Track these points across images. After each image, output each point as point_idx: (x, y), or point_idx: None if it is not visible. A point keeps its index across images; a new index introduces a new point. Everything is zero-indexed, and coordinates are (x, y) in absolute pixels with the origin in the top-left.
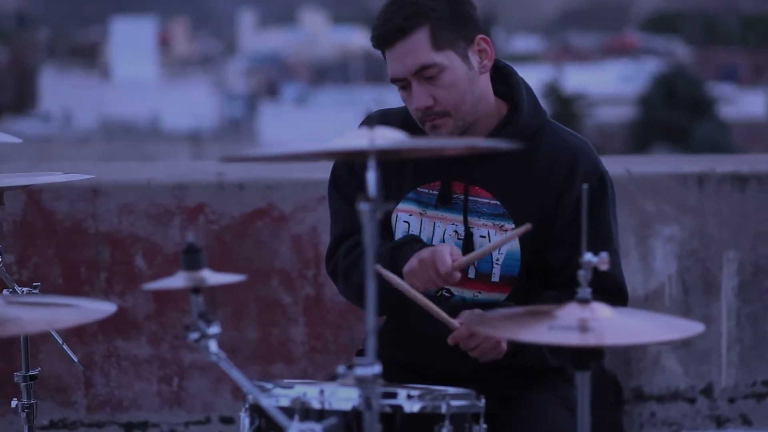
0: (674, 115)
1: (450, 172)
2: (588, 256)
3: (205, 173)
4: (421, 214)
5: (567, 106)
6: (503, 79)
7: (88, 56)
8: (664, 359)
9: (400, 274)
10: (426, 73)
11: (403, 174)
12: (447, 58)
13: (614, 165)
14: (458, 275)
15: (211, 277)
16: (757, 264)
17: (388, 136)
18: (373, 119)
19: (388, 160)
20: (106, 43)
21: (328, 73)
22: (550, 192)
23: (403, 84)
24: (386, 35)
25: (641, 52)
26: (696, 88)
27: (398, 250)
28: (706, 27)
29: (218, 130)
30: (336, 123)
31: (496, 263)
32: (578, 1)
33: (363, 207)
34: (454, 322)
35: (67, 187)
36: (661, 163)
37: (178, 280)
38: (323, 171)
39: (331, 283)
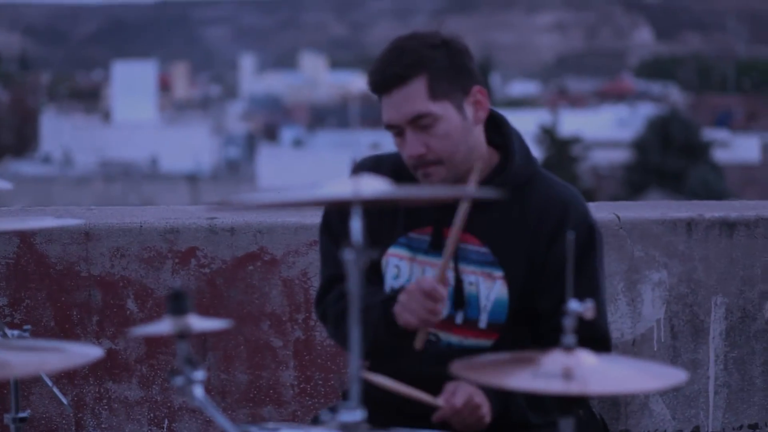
0: (669, 159)
1: (441, 218)
2: (573, 304)
3: (197, 217)
4: (411, 259)
5: (562, 149)
6: (496, 128)
7: (89, 99)
8: (652, 403)
9: (393, 324)
10: (421, 122)
11: (394, 218)
12: (442, 109)
13: (603, 210)
14: (444, 291)
15: (197, 323)
16: (744, 309)
17: (374, 185)
18: (364, 165)
19: (374, 207)
20: (107, 86)
21: (327, 116)
22: (539, 241)
23: (397, 131)
24: (384, 82)
25: (637, 96)
26: (690, 133)
27: (390, 303)
28: (701, 72)
29: (216, 171)
30: (333, 165)
31: (484, 310)
32: (575, 46)
33: (347, 255)
34: (438, 401)
35: (59, 230)
36: (650, 209)
37: (164, 326)
38: (314, 216)
39: (321, 327)
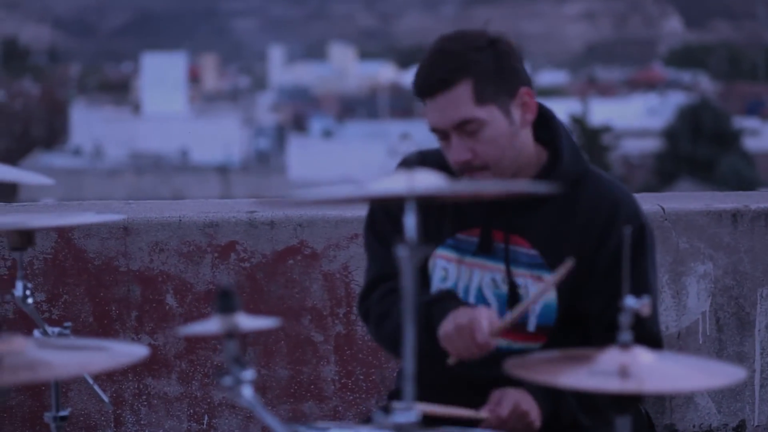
0: (699, 147)
1: (490, 219)
2: (629, 300)
3: (237, 211)
4: (459, 261)
5: (593, 138)
6: (544, 123)
7: (119, 91)
8: (697, 397)
9: (434, 331)
10: (466, 128)
11: (441, 219)
12: (488, 113)
13: (647, 202)
14: (495, 344)
15: (245, 322)
16: None
17: (428, 180)
18: (411, 161)
19: (427, 204)
20: (137, 79)
21: (356, 107)
22: (588, 241)
23: (443, 135)
24: (428, 87)
25: (667, 85)
26: (721, 121)
27: (434, 306)
28: (731, 61)
29: (247, 163)
30: (363, 156)
31: (533, 312)
32: (604, 35)
33: (401, 251)
34: (482, 414)
35: (98, 224)
36: (694, 200)
37: (212, 325)
38: (355, 209)
39: (362, 322)
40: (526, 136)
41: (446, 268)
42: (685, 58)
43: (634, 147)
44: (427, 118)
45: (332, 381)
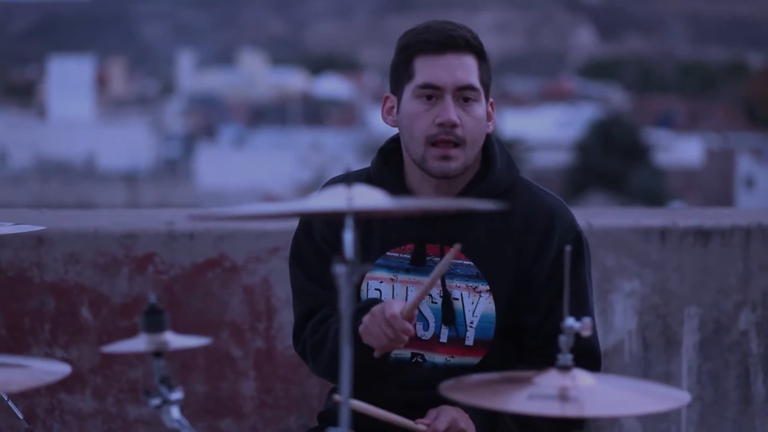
0: (610, 161)
1: (423, 233)
2: (570, 321)
3: (155, 222)
4: (392, 279)
5: None
6: None
7: (25, 95)
8: (623, 417)
9: (359, 340)
10: (466, 94)
11: (369, 240)
12: (481, 94)
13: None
14: (410, 327)
15: (175, 341)
16: (718, 320)
17: (367, 195)
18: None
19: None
20: (43, 82)
21: (266, 115)
22: (525, 252)
23: (436, 93)
24: (449, 41)
25: (578, 97)
26: (632, 135)
27: (359, 316)
28: (643, 74)
29: (154, 170)
30: (273, 164)
31: (471, 326)
32: (516, 46)
33: (339, 269)
34: (419, 427)
35: (11, 234)
36: (623, 216)
37: (139, 344)
38: (276, 222)
39: (283, 337)
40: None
41: (379, 288)
42: (597, 70)
43: (545, 159)
44: (425, 72)
45: (251, 397)
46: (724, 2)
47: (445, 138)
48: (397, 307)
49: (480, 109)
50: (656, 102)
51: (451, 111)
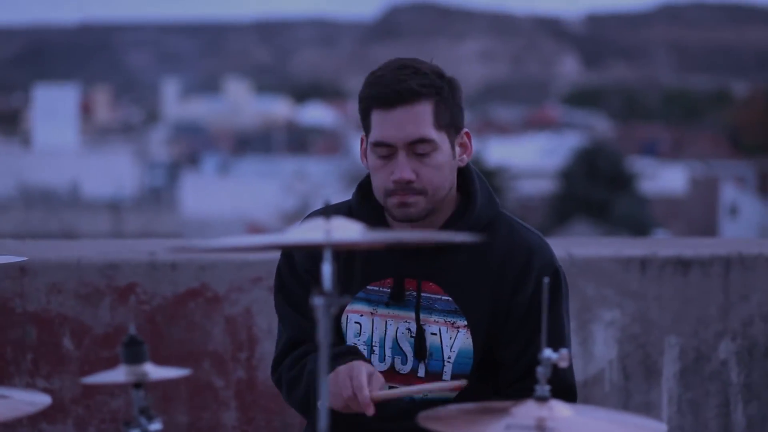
0: (594, 189)
1: (402, 267)
2: (548, 353)
3: (137, 252)
4: (372, 313)
5: (489, 179)
6: (458, 169)
7: (9, 123)
8: None
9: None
10: (419, 148)
11: (350, 273)
12: (441, 139)
13: (556, 247)
14: (371, 411)
15: (154, 372)
16: (698, 350)
17: (345, 228)
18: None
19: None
20: (27, 110)
21: (251, 143)
22: (503, 288)
23: (388, 151)
24: (394, 96)
25: (563, 125)
26: (616, 163)
27: (335, 362)
28: (628, 101)
29: (138, 198)
30: (258, 193)
31: (448, 361)
32: (501, 74)
33: (317, 301)
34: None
35: None
36: (603, 246)
37: (118, 375)
38: (257, 252)
39: (264, 367)
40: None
41: (359, 322)
42: (582, 98)
43: (529, 187)
44: (377, 129)
45: (233, 427)
46: (708, 30)
47: (403, 190)
48: (365, 376)
49: (439, 156)
50: (640, 130)
51: (403, 168)
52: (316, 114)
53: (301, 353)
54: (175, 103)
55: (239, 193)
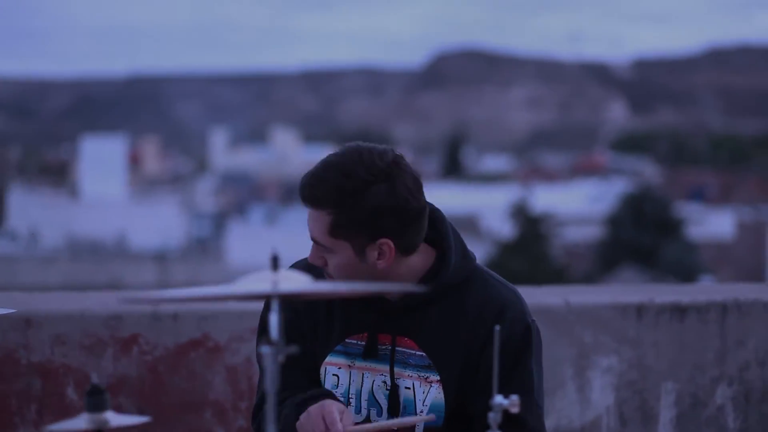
0: (642, 235)
1: (377, 323)
2: (498, 399)
3: (140, 303)
4: (349, 366)
5: (534, 226)
6: (432, 224)
7: (58, 174)
8: None
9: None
10: (319, 248)
11: (330, 326)
12: (338, 246)
13: (553, 296)
14: None
15: (115, 419)
16: (695, 395)
17: (293, 280)
18: (299, 267)
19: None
20: (76, 162)
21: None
22: (474, 343)
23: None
24: (302, 197)
25: (610, 171)
26: (664, 208)
27: (304, 405)
28: (675, 147)
29: (185, 249)
30: (305, 242)
31: (421, 414)
32: (548, 120)
33: (264, 350)
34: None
35: None
36: (600, 293)
37: (80, 423)
38: (259, 302)
39: None
40: (408, 263)
41: (337, 374)
42: (629, 143)
43: (576, 234)
44: None
45: None
46: (755, 75)
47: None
48: (336, 412)
49: (335, 259)
50: (688, 175)
51: (312, 256)
52: None
53: (279, 400)
54: (223, 153)
55: (286, 243)
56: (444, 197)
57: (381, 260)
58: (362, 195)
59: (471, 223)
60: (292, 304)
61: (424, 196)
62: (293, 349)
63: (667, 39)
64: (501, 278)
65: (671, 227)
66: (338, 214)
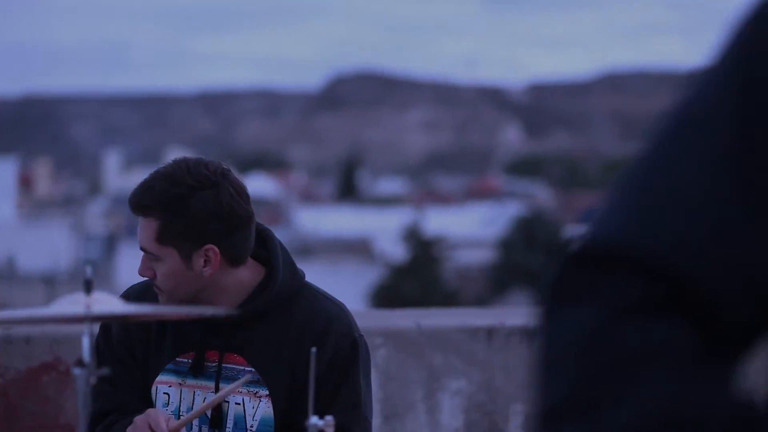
0: (533, 258)
1: (205, 340)
2: (314, 420)
3: None
4: (180, 384)
5: (427, 249)
6: (262, 242)
7: None
8: None
9: None
10: (149, 257)
11: (162, 344)
12: (165, 253)
13: (405, 319)
14: None
15: None
16: None
17: (106, 302)
18: (132, 292)
19: (146, 329)
20: None
21: None
22: (303, 357)
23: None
24: (131, 207)
25: (504, 194)
26: (555, 231)
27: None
28: (569, 170)
29: (73, 272)
30: None
31: (251, 430)
32: (444, 144)
33: (76, 372)
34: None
35: None
36: (451, 317)
37: None
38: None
39: None
40: (236, 275)
41: (168, 392)
42: (523, 167)
43: (468, 257)
44: None
45: None
46: (650, 99)
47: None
48: (162, 418)
49: (162, 267)
50: (580, 198)
51: (141, 267)
52: (259, 185)
53: (109, 423)
54: (116, 174)
55: None
56: (338, 220)
57: (207, 267)
58: (188, 200)
59: (364, 246)
60: (122, 325)
61: (251, 206)
62: (105, 371)
63: (563, 64)
64: (329, 295)
65: (561, 250)
66: (165, 220)
